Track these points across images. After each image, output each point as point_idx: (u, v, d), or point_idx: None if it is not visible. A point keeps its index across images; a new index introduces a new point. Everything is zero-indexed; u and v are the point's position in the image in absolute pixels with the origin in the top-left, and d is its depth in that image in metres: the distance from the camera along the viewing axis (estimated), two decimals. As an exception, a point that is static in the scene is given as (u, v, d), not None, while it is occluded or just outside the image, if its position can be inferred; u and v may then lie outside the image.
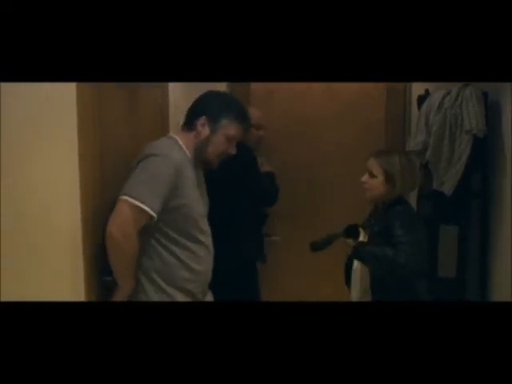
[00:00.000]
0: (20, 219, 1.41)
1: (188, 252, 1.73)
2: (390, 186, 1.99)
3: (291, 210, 2.90)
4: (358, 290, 2.09)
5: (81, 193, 1.53)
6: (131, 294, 1.68)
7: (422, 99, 2.56)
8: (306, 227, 2.91)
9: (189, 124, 1.78)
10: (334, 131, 2.86)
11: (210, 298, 1.91)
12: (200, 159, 1.80)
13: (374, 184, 2.01)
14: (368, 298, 2.05)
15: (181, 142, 1.76)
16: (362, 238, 2.08)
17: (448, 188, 2.39)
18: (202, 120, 1.75)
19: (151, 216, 1.60)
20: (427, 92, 2.56)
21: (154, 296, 1.70)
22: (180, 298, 1.73)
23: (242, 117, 1.81)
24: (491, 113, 2.38)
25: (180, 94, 2.53)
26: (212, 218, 1.88)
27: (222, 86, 2.52)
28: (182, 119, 1.84)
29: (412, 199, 2.42)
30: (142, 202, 1.57)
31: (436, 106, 2.41)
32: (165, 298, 1.71)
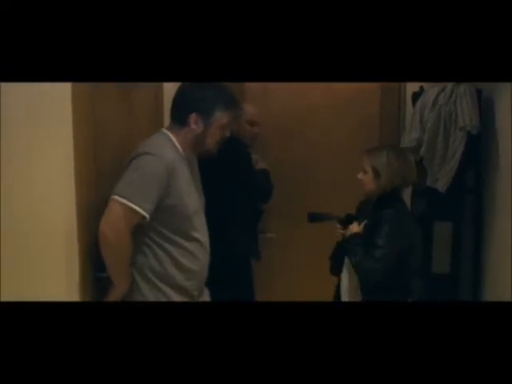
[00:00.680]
0: (15, 217, 1.41)
1: (183, 250, 1.73)
2: (379, 181, 2.02)
3: (286, 206, 2.90)
4: (347, 284, 2.11)
5: (76, 191, 1.53)
6: (126, 293, 1.68)
7: (416, 96, 2.57)
8: (301, 224, 2.91)
9: (179, 121, 1.74)
10: (329, 128, 2.86)
11: (206, 295, 1.91)
12: (198, 152, 1.80)
13: (367, 180, 2.05)
14: (358, 292, 2.06)
15: (174, 139, 1.73)
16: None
17: (442, 184, 2.40)
18: (194, 117, 1.71)
19: (143, 216, 1.60)
20: (422, 89, 2.57)
21: (150, 295, 1.70)
22: (175, 296, 1.72)
23: (231, 103, 1.78)
24: (485, 110, 2.40)
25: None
26: (206, 214, 1.87)
27: (216, 83, 2.51)
28: (171, 114, 1.79)
29: (406, 196, 2.42)
30: (133, 202, 1.57)
31: (430, 102, 2.42)
32: (160, 297, 1.70)
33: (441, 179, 2.41)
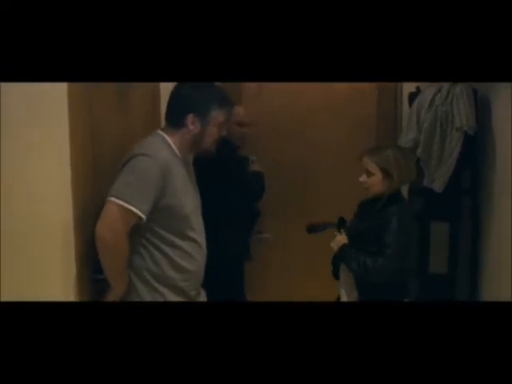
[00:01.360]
0: (11, 218, 1.40)
1: (180, 251, 1.72)
2: (389, 181, 2.01)
3: (283, 207, 2.90)
4: (345, 286, 2.11)
5: (73, 191, 1.52)
6: (124, 295, 1.68)
7: (413, 96, 2.58)
8: (297, 224, 2.91)
9: (175, 123, 1.74)
10: (326, 129, 2.86)
11: (203, 296, 1.91)
12: (196, 152, 1.81)
13: (374, 182, 2.02)
14: (354, 293, 2.06)
15: (169, 140, 1.73)
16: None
17: (439, 185, 2.41)
18: (191, 117, 1.71)
19: (140, 217, 1.59)
20: (418, 89, 2.57)
21: (147, 296, 1.69)
22: (173, 297, 1.72)
23: (225, 101, 1.79)
24: (481, 110, 2.40)
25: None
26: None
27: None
28: (166, 116, 1.79)
29: (404, 195, 2.43)
30: (130, 204, 1.56)
31: (427, 103, 2.43)
32: (158, 298, 1.70)
33: (437, 179, 2.42)
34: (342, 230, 2.11)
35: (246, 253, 2.62)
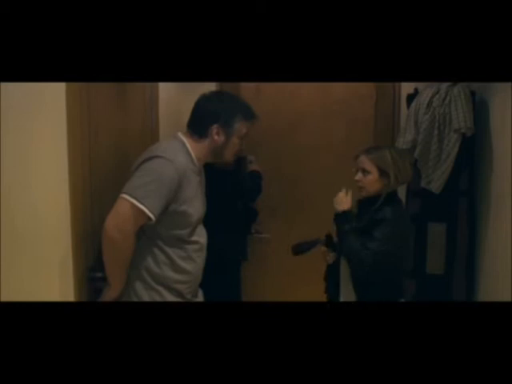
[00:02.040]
0: (7, 217, 1.40)
1: (182, 253, 1.73)
2: (385, 181, 2.00)
3: (281, 207, 2.91)
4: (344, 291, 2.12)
5: (70, 189, 1.53)
6: (121, 293, 1.68)
7: (410, 98, 2.58)
8: (296, 224, 2.93)
9: (199, 131, 1.76)
10: (324, 129, 2.86)
11: (200, 297, 1.92)
12: (217, 161, 1.83)
13: (369, 181, 2.02)
14: (352, 295, 2.07)
15: (188, 145, 1.74)
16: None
17: (436, 186, 2.41)
18: (216, 129, 1.74)
19: (149, 218, 1.59)
20: (416, 91, 2.58)
21: (144, 295, 1.70)
22: (170, 297, 1.73)
23: (248, 114, 1.82)
24: (479, 112, 2.41)
25: (170, 91, 2.53)
26: None
27: (210, 84, 2.52)
28: (190, 124, 1.80)
29: (401, 197, 2.43)
30: (144, 204, 1.57)
31: (425, 104, 2.43)
32: (155, 297, 1.70)
33: (435, 181, 2.42)
34: (329, 248, 2.14)
35: (243, 253, 2.63)
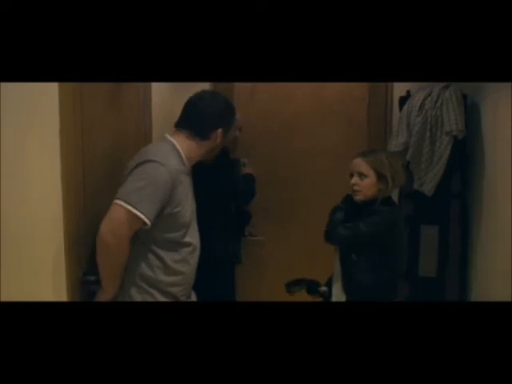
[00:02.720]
0: (2, 219, 1.39)
1: (176, 256, 1.73)
2: (382, 184, 2.01)
3: (276, 209, 2.91)
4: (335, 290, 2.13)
5: (63, 191, 1.52)
6: (115, 297, 1.67)
7: (403, 100, 2.59)
8: (290, 227, 2.93)
9: (201, 134, 1.76)
10: (318, 132, 2.87)
11: (193, 299, 1.91)
12: (206, 158, 1.85)
13: (367, 184, 2.01)
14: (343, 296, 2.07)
15: (178, 147, 1.73)
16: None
17: (428, 188, 2.42)
18: (220, 132, 1.77)
19: (145, 223, 1.59)
20: (408, 93, 2.60)
21: (138, 298, 1.69)
22: (163, 300, 1.72)
23: (235, 112, 1.88)
24: (470, 115, 2.43)
25: (164, 92, 2.53)
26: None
27: (205, 86, 2.52)
28: (185, 124, 1.78)
29: (394, 199, 2.44)
30: (138, 209, 1.56)
31: (417, 107, 2.44)
32: (148, 301, 1.69)
33: (427, 183, 2.43)
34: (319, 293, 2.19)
35: (237, 255, 2.62)
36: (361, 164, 2.02)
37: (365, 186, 2.01)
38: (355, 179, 2.02)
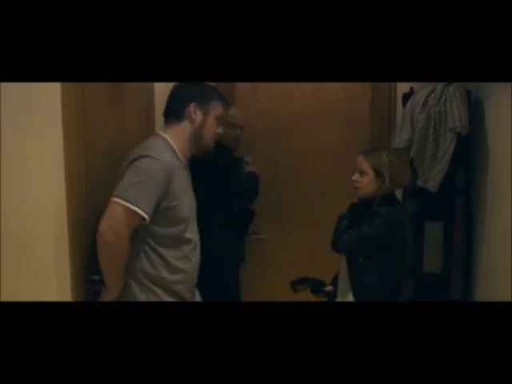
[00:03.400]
0: (5, 219, 1.40)
1: (176, 252, 1.73)
2: (380, 182, 2.02)
3: (278, 208, 2.91)
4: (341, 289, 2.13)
5: (66, 190, 1.52)
6: (119, 296, 1.68)
7: (406, 97, 2.59)
8: (293, 225, 2.93)
9: (176, 115, 1.77)
10: (320, 129, 2.87)
11: (197, 298, 1.91)
12: (197, 148, 1.81)
13: (365, 182, 2.04)
14: (349, 295, 2.07)
15: (171, 142, 1.74)
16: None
17: (433, 185, 2.42)
18: (193, 107, 1.75)
19: (143, 218, 1.59)
20: (412, 90, 2.59)
21: (142, 297, 1.70)
22: (167, 298, 1.72)
23: (221, 96, 1.85)
24: (474, 111, 2.42)
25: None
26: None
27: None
28: (166, 113, 1.81)
29: (398, 196, 2.44)
30: (136, 205, 1.57)
31: (420, 104, 2.44)
32: (152, 299, 1.70)
33: (431, 179, 2.43)
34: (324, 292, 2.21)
35: (241, 254, 2.62)
36: (361, 161, 2.05)
37: (364, 183, 2.05)
38: (356, 176, 2.07)
